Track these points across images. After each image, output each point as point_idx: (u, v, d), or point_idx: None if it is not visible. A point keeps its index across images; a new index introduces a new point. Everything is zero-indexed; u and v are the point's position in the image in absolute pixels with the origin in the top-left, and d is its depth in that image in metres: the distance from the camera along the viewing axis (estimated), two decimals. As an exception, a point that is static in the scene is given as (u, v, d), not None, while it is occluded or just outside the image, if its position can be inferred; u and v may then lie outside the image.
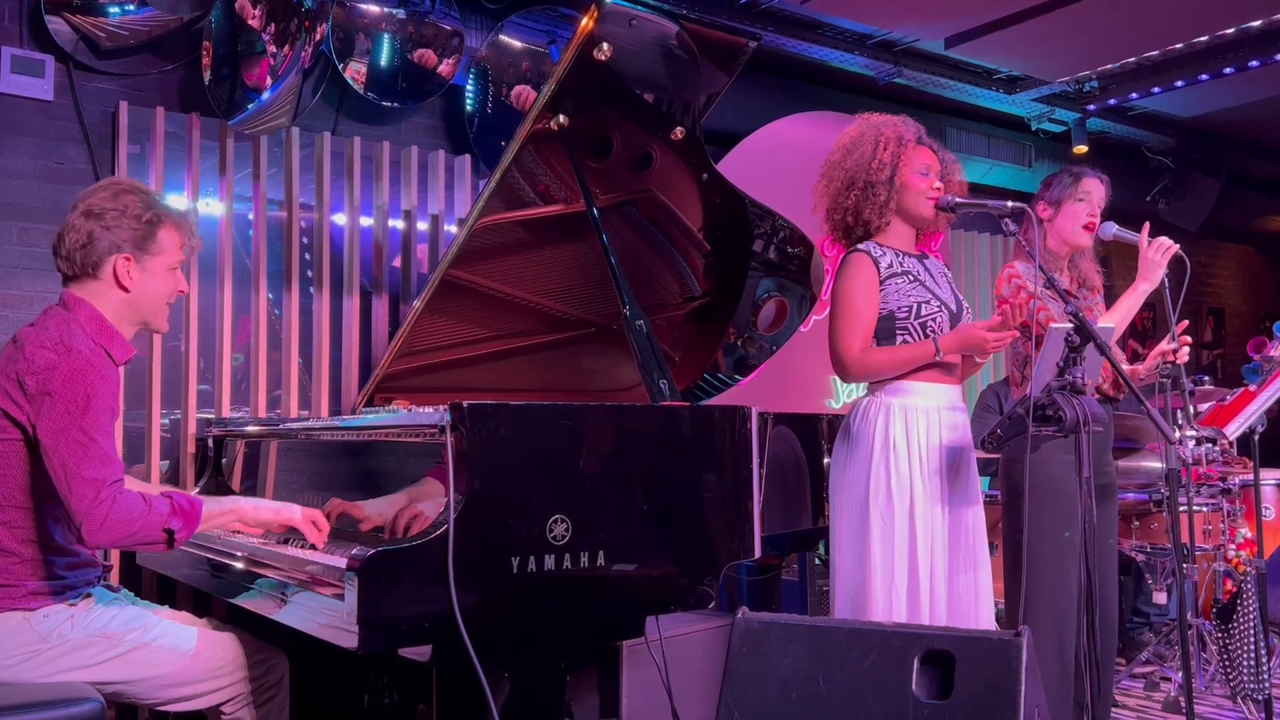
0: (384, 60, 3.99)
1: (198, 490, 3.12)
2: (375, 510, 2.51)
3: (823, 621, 2.16)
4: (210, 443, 3.19)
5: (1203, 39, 5.15)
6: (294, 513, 2.32)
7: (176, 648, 2.23)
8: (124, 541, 2.08)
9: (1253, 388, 3.95)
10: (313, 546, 2.32)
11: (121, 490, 2.07)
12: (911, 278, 2.70)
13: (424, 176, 4.15)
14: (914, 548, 2.59)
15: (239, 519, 2.31)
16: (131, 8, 3.60)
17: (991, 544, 3.40)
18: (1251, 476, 4.00)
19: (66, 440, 2.05)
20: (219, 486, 3.12)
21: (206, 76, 3.68)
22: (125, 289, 2.26)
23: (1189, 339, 3.03)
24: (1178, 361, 3.02)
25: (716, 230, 3.16)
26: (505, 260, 3.00)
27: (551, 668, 2.14)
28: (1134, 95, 5.75)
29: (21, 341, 2.18)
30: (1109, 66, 5.50)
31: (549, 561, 2.03)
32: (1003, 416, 2.44)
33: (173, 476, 3.57)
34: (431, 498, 2.37)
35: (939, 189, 2.73)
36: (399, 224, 4.06)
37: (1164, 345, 3.06)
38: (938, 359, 2.62)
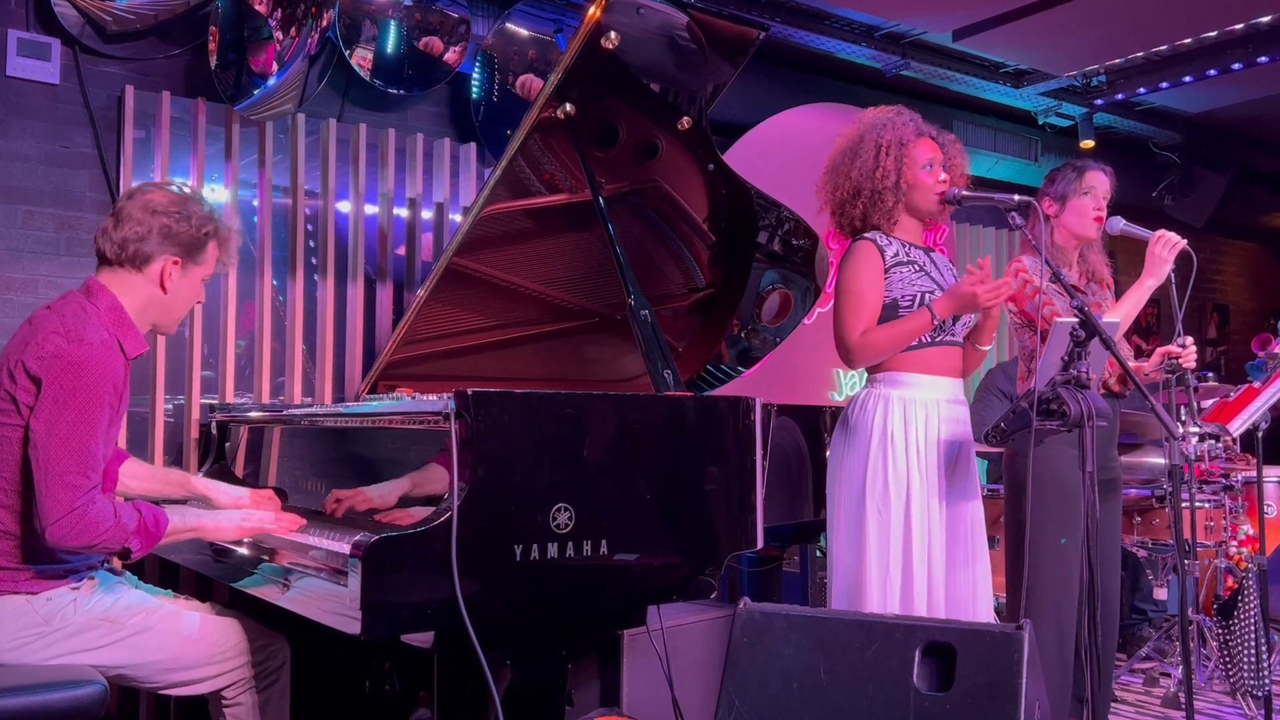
0: (390, 47, 3.98)
1: (201, 475, 3.13)
2: (378, 496, 2.51)
3: (824, 613, 2.16)
4: (214, 428, 3.19)
5: (1211, 34, 5.13)
6: (260, 521, 2.33)
7: (179, 632, 2.23)
8: (83, 550, 2.10)
9: (1257, 384, 3.95)
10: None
11: (95, 499, 2.07)
12: (916, 268, 2.71)
13: (429, 164, 4.15)
14: (909, 540, 2.60)
15: (200, 537, 2.33)
16: (138, -8, 3.59)
17: (992, 538, 3.40)
18: (1254, 473, 4.00)
19: (56, 434, 2.05)
20: (222, 472, 3.13)
21: (212, 61, 3.67)
22: (164, 289, 2.28)
23: (1194, 350, 3.05)
24: (1185, 367, 3.02)
25: (722, 221, 3.16)
26: (510, 249, 2.99)
27: (553, 656, 2.15)
28: (1142, 90, 5.74)
29: (36, 324, 2.18)
30: (1117, 61, 5.48)
31: (552, 550, 2.04)
32: (1007, 410, 2.44)
33: (176, 463, 3.57)
34: (435, 483, 2.38)
35: (944, 181, 2.73)
36: (404, 212, 4.06)
37: (1170, 347, 3.06)
38: (935, 322, 2.61)
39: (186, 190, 2.36)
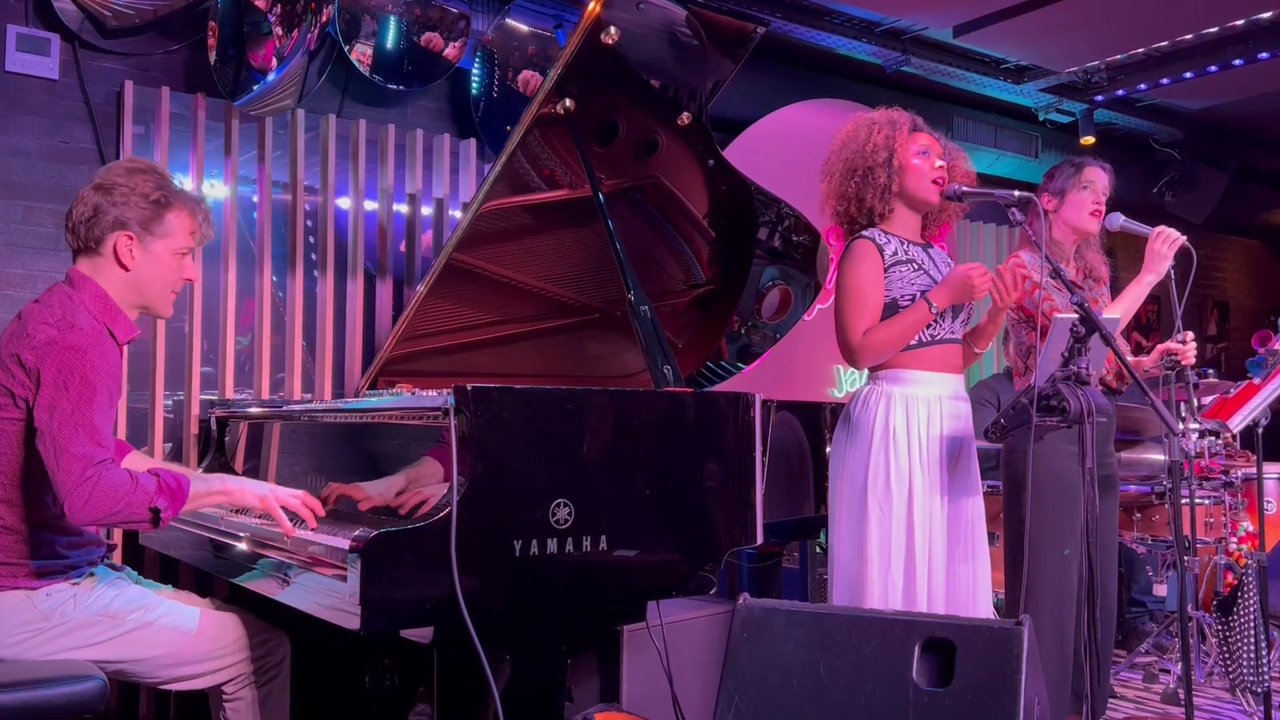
0: (390, 43, 3.98)
1: (200, 472, 3.13)
2: (375, 491, 2.51)
3: (824, 608, 2.16)
4: (213, 424, 3.19)
5: (1212, 30, 5.12)
6: (287, 496, 2.27)
7: (179, 627, 2.23)
8: (108, 519, 2.05)
9: (1257, 381, 3.95)
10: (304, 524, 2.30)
11: (108, 468, 2.05)
12: (915, 266, 2.70)
13: (429, 160, 4.14)
14: (911, 536, 2.60)
15: (228, 500, 2.27)
16: (137, -13, 3.58)
17: (992, 534, 3.40)
18: (1254, 470, 4.00)
19: (59, 415, 2.04)
20: (222, 468, 3.12)
21: (212, 57, 3.67)
22: (125, 268, 2.25)
23: (1194, 347, 3.05)
24: (1184, 363, 3.02)
25: (721, 217, 3.16)
26: (510, 245, 2.99)
27: (552, 651, 2.15)
28: (1142, 86, 5.73)
29: (25, 318, 2.18)
30: (1117, 57, 5.48)
31: (551, 545, 2.03)
32: (1007, 406, 2.44)
33: (175, 457, 3.57)
34: (430, 477, 2.37)
35: (941, 168, 2.72)
36: (403, 208, 4.06)
37: (1170, 344, 3.06)
38: (934, 313, 2.62)
39: (140, 164, 2.30)
